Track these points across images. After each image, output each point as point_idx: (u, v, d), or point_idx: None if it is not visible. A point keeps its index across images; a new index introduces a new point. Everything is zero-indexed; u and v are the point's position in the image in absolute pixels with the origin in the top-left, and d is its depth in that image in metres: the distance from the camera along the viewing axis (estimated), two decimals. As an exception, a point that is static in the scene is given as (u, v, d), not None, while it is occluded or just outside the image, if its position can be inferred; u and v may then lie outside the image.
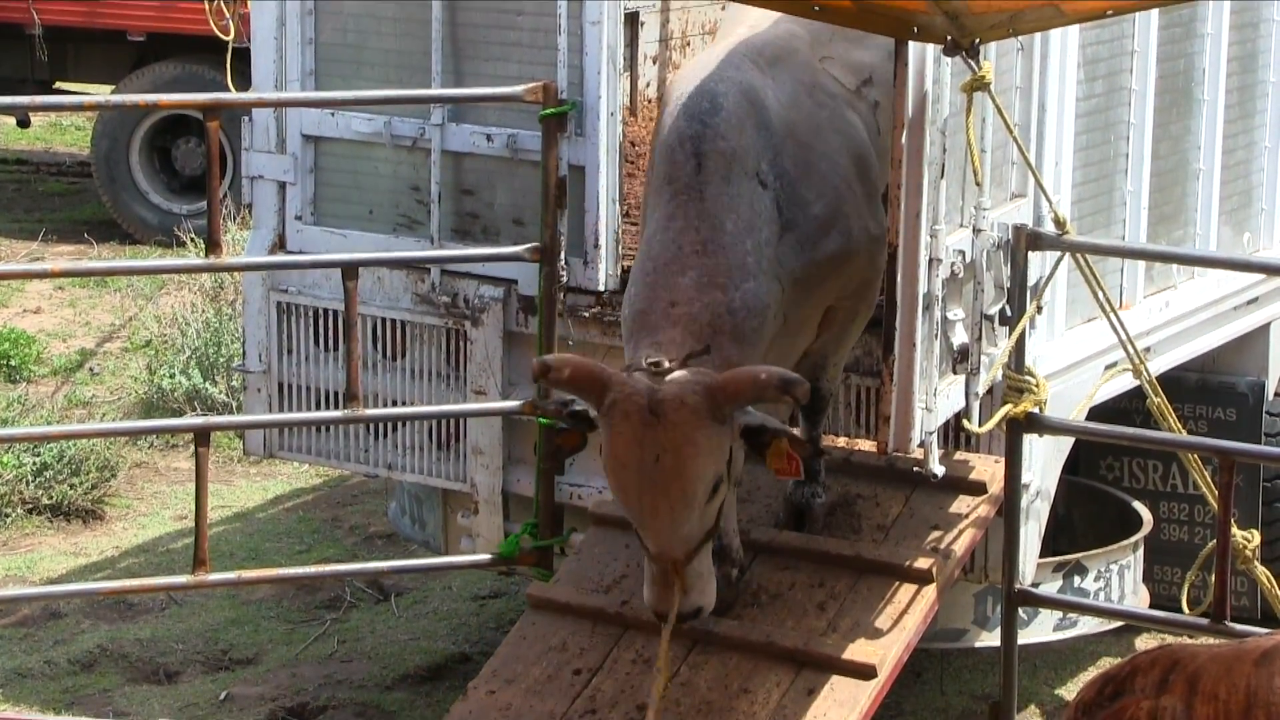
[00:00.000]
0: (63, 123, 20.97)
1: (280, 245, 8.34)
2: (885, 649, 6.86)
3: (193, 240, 13.87)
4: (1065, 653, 8.72)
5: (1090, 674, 7.26)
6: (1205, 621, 7.03)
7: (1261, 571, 7.81)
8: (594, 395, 5.44)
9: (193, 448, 7.54)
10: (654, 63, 9.92)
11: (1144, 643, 8.25)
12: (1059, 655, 8.70)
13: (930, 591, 7.00)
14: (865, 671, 6.76)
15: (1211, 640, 6.13)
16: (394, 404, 8.27)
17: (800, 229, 6.16)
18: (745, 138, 6.02)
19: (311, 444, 8.53)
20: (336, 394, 8.24)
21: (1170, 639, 7.82)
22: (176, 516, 10.54)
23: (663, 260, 5.80)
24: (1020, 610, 7.29)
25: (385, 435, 8.45)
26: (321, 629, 9.53)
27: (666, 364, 5.45)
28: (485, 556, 7.89)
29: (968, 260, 6.78)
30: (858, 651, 6.84)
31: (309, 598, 9.89)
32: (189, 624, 9.35)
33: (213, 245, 7.05)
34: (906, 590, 7.04)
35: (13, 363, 12.88)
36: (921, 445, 7.09)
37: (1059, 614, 7.94)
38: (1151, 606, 8.30)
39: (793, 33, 6.77)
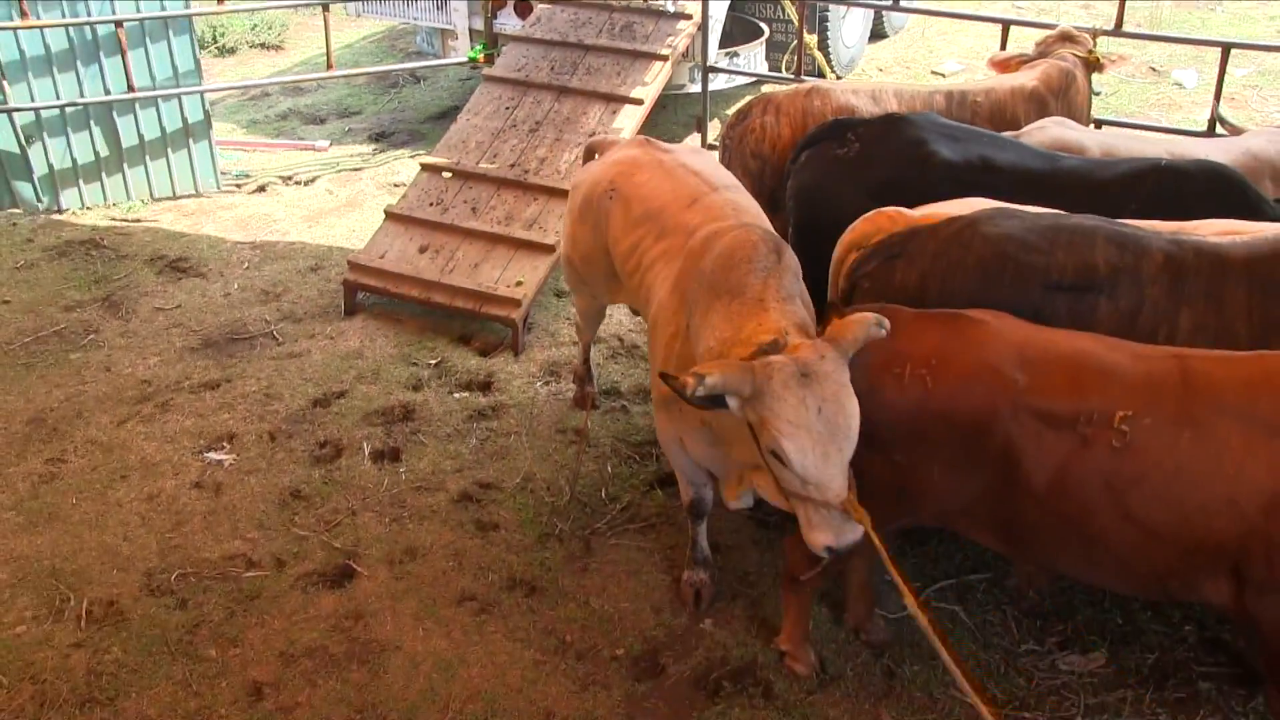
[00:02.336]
0: None
1: None
2: (646, 88, 7.29)
3: None
4: (731, 95, 9.22)
5: (739, 104, 6.64)
6: (792, 77, 7.48)
7: (820, 59, 8.52)
8: (744, 385, 3.56)
9: None
10: None
11: (769, 88, 7.51)
12: (728, 97, 9.23)
13: (668, 66, 7.54)
14: (636, 101, 7.24)
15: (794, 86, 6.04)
16: None
17: None
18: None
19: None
20: None
21: (779, 87, 7.46)
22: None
23: (752, 293, 3.90)
24: (710, 74, 7.85)
25: None
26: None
27: (781, 341, 3.71)
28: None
29: None
30: (638, 94, 7.25)
31: None
32: None
33: None
34: (657, 65, 7.50)
35: None
36: (660, -20, 7.32)
37: (726, 76, 8.49)
38: (770, 70, 8.79)
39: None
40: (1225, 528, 3.48)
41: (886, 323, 3.61)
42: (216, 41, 11.19)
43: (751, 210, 4.41)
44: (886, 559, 3.58)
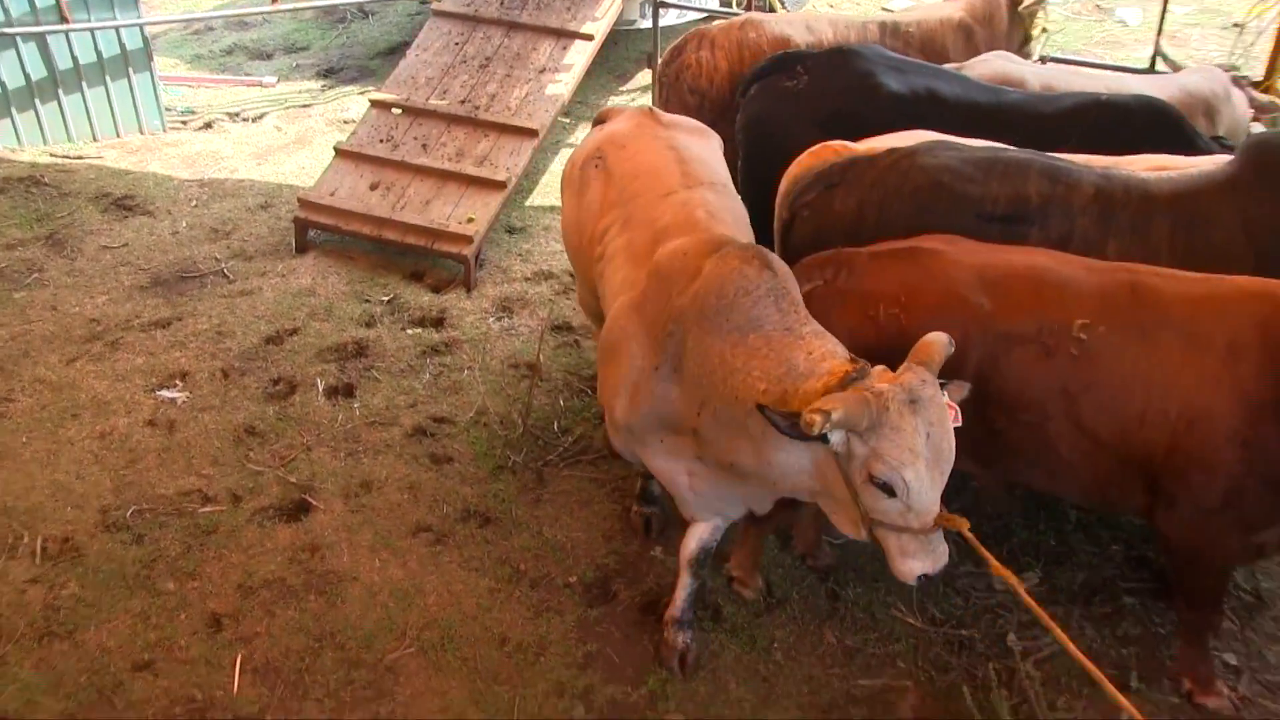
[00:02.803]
0: None
1: None
2: (596, 24, 7.51)
3: None
4: (683, 30, 8.07)
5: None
6: (743, 12, 7.27)
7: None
8: (863, 417, 3.36)
9: None
10: None
11: (714, 22, 6.95)
12: (679, 32, 8.28)
13: (618, 1, 7.74)
14: (586, 36, 7.43)
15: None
16: None
17: None
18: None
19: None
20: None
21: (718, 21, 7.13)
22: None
23: (772, 324, 3.63)
24: (661, 9, 7.85)
25: None
26: None
27: (866, 367, 3.50)
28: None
29: None
30: (588, 29, 7.38)
31: None
32: None
33: None
34: (610, 3, 7.67)
35: None
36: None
37: (678, 11, 8.56)
38: (721, 4, 8.67)
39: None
40: (1155, 438, 3.61)
41: (953, 341, 3.52)
42: (156, -27, 11.08)
43: (729, 212, 4.14)
44: (992, 561, 3.44)
